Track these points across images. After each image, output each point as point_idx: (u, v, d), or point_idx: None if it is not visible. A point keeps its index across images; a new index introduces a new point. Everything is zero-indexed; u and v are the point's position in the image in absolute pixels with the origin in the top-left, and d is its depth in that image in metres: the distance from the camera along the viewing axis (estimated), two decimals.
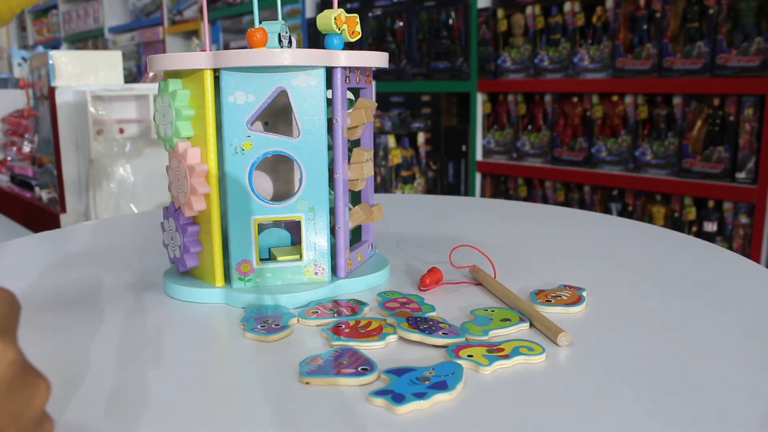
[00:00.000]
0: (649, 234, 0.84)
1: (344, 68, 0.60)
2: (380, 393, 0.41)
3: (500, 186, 2.20)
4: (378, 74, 2.40)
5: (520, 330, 0.52)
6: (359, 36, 0.62)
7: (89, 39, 4.45)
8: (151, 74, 2.12)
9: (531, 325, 0.53)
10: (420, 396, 0.41)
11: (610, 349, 0.49)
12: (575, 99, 1.95)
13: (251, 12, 0.71)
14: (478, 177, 2.24)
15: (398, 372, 0.44)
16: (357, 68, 0.63)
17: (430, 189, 2.36)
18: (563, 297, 0.58)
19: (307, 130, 0.59)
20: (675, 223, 1.76)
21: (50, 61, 1.88)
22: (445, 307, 0.57)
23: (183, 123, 0.59)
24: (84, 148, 1.80)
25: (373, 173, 0.67)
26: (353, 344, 0.49)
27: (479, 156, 2.22)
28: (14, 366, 0.26)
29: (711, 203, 1.69)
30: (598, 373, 0.45)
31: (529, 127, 2.09)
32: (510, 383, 0.44)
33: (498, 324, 0.53)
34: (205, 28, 0.61)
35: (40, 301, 0.61)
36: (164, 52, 3.49)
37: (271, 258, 0.63)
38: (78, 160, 1.85)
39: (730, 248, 1.64)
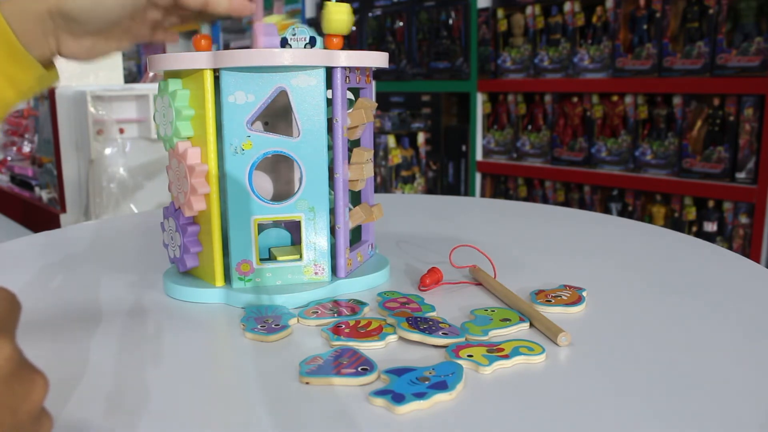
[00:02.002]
0: (649, 234, 0.84)
1: (344, 68, 0.60)
2: (380, 393, 0.41)
3: (500, 186, 2.20)
4: (378, 74, 2.40)
5: (520, 330, 0.52)
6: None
7: None
8: (151, 74, 2.12)
9: (531, 325, 0.53)
10: (420, 396, 0.41)
11: (610, 349, 0.49)
12: (575, 99, 1.95)
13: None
14: (478, 177, 2.24)
15: (398, 372, 0.44)
16: (357, 68, 0.63)
17: (430, 189, 2.36)
18: (563, 297, 0.58)
19: (307, 130, 0.59)
20: (675, 223, 1.76)
21: None
22: (445, 307, 0.57)
23: (183, 123, 0.59)
24: (84, 148, 1.80)
25: (373, 174, 0.67)
26: (353, 344, 0.49)
27: (479, 156, 2.22)
28: (11, 362, 0.26)
29: (711, 203, 1.69)
30: (598, 373, 0.45)
31: (529, 127, 2.09)
32: (510, 383, 0.44)
33: (498, 324, 0.53)
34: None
35: (40, 301, 0.61)
36: (164, 52, 3.48)
37: (271, 258, 0.63)
38: (78, 160, 1.84)
39: (730, 248, 1.64)
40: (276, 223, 0.67)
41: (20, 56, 0.50)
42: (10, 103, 0.51)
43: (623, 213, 1.89)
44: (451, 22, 2.19)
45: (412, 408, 0.40)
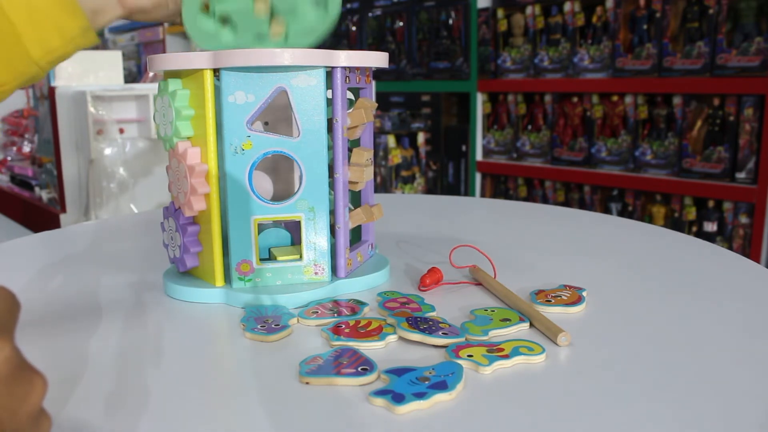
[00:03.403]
0: (649, 234, 0.84)
1: (344, 68, 0.60)
2: (380, 393, 0.41)
3: (500, 186, 2.20)
4: (378, 74, 2.40)
5: (520, 330, 0.52)
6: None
7: None
8: (151, 74, 2.12)
9: (531, 325, 0.53)
10: (420, 396, 0.41)
11: (610, 349, 0.49)
12: (575, 99, 1.95)
13: None
14: (478, 177, 2.24)
15: (398, 372, 0.44)
16: (357, 68, 0.63)
17: (430, 189, 2.36)
18: (563, 297, 0.58)
19: (307, 130, 0.59)
20: (675, 223, 1.76)
21: None
22: (445, 307, 0.57)
23: (183, 123, 0.59)
24: (84, 148, 1.80)
25: (373, 177, 0.67)
26: (353, 344, 0.49)
27: (479, 156, 2.22)
28: (10, 362, 0.27)
29: (711, 203, 1.69)
30: (598, 373, 0.45)
31: (529, 127, 2.09)
32: (510, 383, 0.44)
33: (498, 324, 0.53)
34: None
35: (40, 301, 0.61)
36: (164, 52, 3.48)
37: (271, 258, 0.63)
38: (78, 160, 1.85)
39: (730, 248, 1.64)
40: (276, 223, 0.67)
41: (68, 4, 0.52)
42: (54, 52, 0.53)
43: (623, 213, 1.89)
44: (451, 22, 2.19)
45: (412, 408, 0.40)
